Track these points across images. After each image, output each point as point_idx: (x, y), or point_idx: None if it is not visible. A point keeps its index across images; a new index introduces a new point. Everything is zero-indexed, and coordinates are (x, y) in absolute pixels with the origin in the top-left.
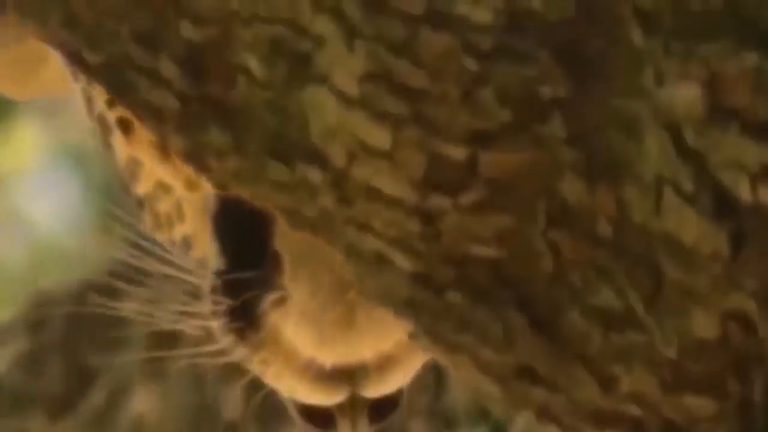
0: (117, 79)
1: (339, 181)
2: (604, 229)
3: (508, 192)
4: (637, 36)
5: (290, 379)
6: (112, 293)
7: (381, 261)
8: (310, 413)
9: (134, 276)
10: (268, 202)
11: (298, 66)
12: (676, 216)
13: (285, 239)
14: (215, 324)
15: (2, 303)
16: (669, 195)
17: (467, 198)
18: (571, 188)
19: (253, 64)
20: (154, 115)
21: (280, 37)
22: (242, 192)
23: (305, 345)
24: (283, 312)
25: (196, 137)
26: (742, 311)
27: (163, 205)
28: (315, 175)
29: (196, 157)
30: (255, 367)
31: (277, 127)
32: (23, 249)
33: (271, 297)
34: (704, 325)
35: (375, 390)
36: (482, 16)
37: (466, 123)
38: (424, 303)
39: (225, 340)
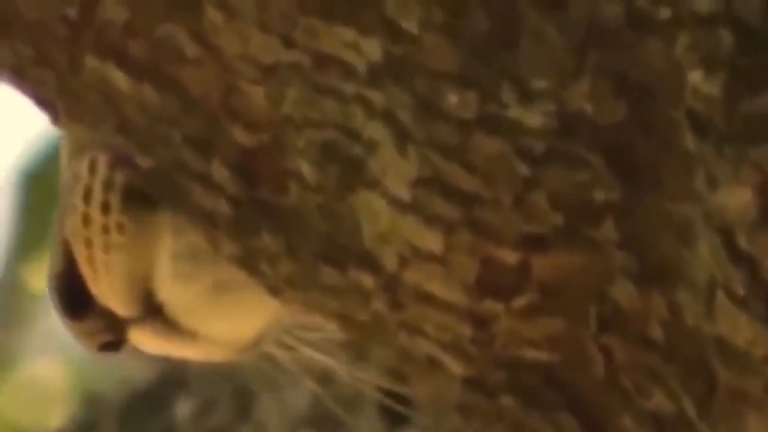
0: (168, 183)
1: (391, 286)
2: (656, 332)
3: (560, 296)
4: (689, 139)
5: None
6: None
7: (433, 365)
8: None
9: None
10: (320, 307)
11: (350, 170)
12: (729, 319)
13: None
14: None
15: (45, 421)
16: (721, 298)
17: (519, 302)
18: (623, 292)
19: (306, 168)
20: (205, 220)
21: (333, 142)
22: (295, 299)
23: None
24: None
25: (248, 242)
26: None
27: None
28: (367, 279)
29: (249, 263)
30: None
31: (329, 232)
32: (63, 369)
33: None
34: (758, 429)
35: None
36: (534, 120)
37: (518, 227)
38: (476, 407)
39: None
